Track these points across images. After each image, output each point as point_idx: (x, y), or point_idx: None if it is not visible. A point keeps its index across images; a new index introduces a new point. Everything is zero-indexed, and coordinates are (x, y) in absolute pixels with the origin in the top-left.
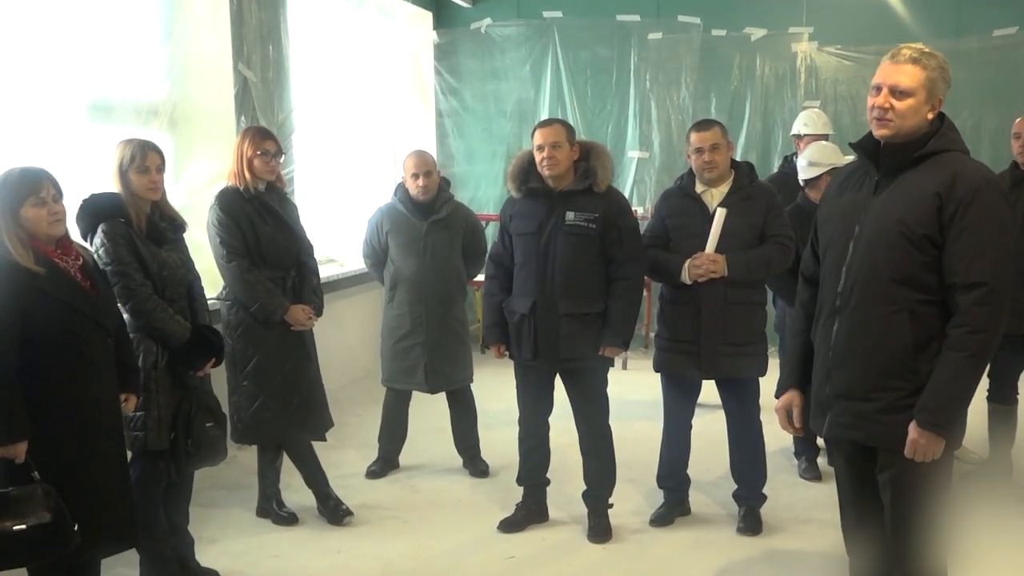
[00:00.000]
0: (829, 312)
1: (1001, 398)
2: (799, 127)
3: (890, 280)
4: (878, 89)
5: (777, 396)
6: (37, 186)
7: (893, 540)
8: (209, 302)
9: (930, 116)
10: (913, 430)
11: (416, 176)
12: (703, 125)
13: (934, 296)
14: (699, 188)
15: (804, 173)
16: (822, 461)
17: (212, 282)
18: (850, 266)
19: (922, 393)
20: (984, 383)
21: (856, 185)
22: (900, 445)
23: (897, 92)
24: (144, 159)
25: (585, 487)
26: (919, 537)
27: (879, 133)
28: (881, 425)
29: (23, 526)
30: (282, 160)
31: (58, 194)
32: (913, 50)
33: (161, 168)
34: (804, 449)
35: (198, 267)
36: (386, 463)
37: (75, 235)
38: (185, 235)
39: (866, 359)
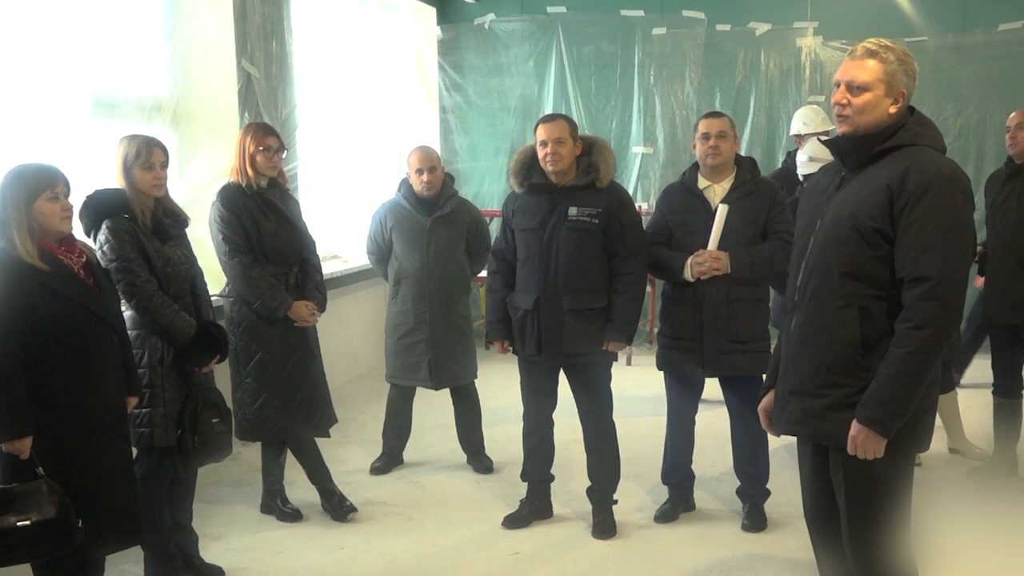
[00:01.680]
0: (791, 307)
1: (1005, 391)
2: (798, 127)
3: (841, 274)
4: (837, 85)
5: (759, 398)
6: (54, 181)
7: (848, 543)
8: (212, 299)
9: (892, 110)
10: (853, 426)
11: (420, 172)
12: (712, 114)
13: (886, 292)
14: (702, 184)
15: (804, 168)
16: None
17: (215, 279)
18: (807, 260)
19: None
20: (989, 378)
21: (828, 181)
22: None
23: (854, 88)
24: (149, 155)
25: (589, 483)
26: (874, 540)
27: (840, 129)
28: (829, 422)
29: (27, 522)
30: (284, 156)
31: (69, 192)
32: (871, 43)
33: (165, 164)
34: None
35: (201, 264)
36: (390, 459)
37: (79, 231)
38: (188, 231)
39: (816, 354)
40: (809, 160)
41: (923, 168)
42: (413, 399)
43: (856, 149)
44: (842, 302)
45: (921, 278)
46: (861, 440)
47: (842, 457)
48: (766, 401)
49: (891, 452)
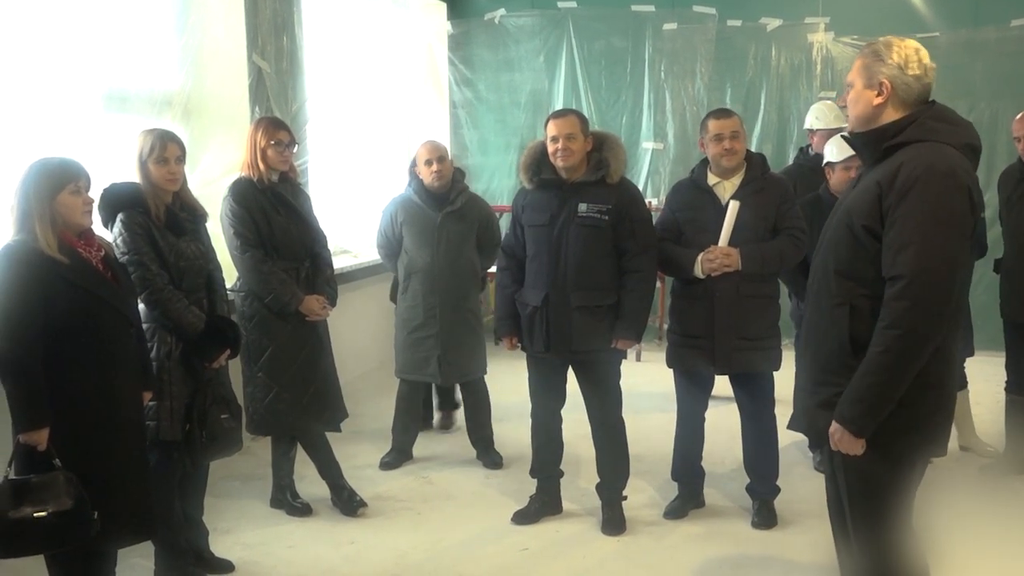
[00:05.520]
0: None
1: (1018, 389)
2: (811, 121)
3: (835, 273)
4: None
5: None
6: (76, 175)
7: (853, 541)
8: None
9: (877, 101)
10: (833, 423)
11: (430, 163)
12: (723, 113)
13: (876, 291)
14: (711, 180)
15: (832, 156)
16: None
17: (227, 273)
18: (815, 259)
19: None
20: (1000, 375)
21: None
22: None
23: (846, 86)
24: (163, 150)
25: (599, 479)
26: (874, 540)
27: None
28: (820, 420)
29: (43, 512)
30: (295, 150)
31: (90, 186)
32: (864, 44)
33: (181, 159)
34: (819, 442)
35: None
36: (400, 454)
37: (97, 225)
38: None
39: (813, 352)
40: (838, 149)
41: (913, 164)
42: (422, 395)
43: (864, 146)
44: (836, 300)
45: (896, 276)
46: (836, 438)
47: (840, 457)
48: None
49: (882, 455)
